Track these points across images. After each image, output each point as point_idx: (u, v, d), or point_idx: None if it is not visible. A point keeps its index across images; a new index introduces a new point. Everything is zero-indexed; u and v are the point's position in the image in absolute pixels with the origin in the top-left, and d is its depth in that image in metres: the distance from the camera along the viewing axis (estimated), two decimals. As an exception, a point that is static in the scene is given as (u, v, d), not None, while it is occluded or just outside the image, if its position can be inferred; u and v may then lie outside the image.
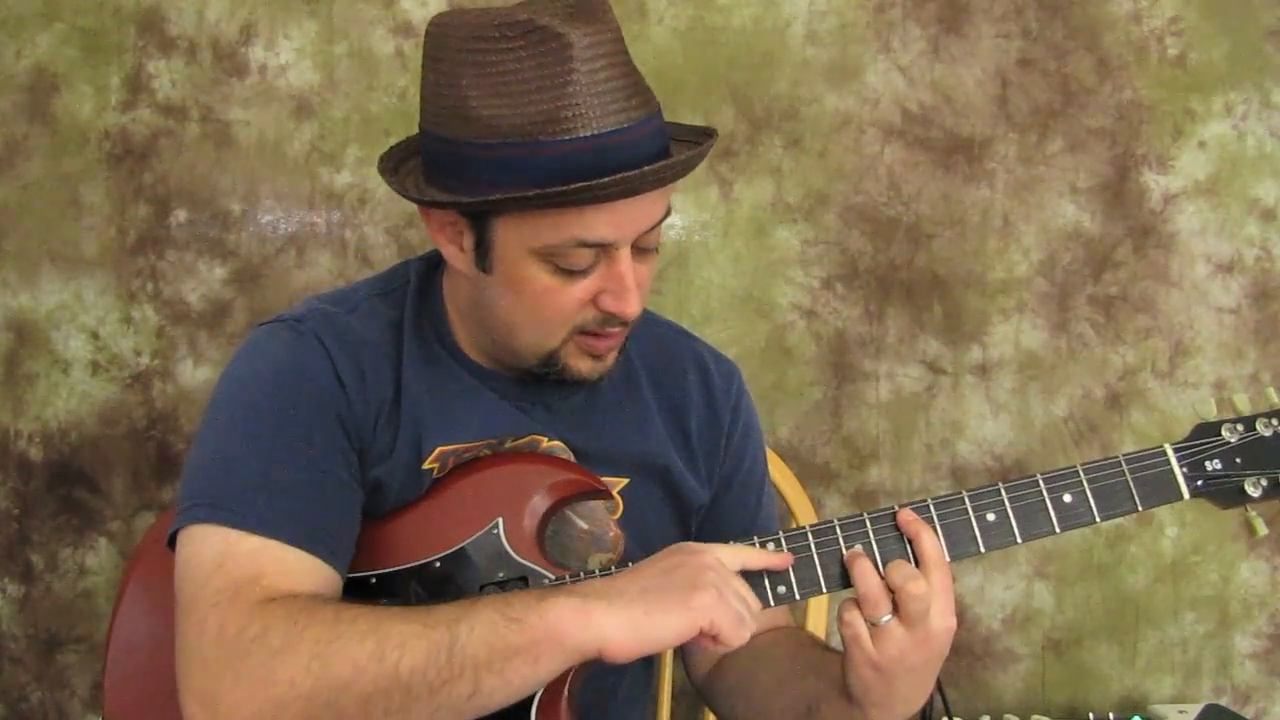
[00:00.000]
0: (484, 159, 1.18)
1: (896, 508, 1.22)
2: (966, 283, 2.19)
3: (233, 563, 1.13)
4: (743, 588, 1.16)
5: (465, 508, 1.27)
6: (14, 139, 2.08)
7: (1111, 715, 2.04)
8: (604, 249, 1.21)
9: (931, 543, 1.19)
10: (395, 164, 1.33)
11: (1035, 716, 2.08)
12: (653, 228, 1.23)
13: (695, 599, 1.11)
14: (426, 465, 1.30)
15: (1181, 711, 2.12)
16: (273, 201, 2.11)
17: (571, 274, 1.21)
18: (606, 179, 1.14)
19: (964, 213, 2.19)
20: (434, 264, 1.40)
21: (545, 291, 1.22)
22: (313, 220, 2.12)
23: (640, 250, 1.24)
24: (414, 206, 2.10)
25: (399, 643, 1.07)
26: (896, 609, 1.17)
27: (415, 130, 1.33)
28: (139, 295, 2.10)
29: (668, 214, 1.26)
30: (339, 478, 1.23)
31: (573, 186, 1.14)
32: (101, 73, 2.09)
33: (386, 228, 2.12)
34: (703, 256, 2.16)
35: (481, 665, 1.07)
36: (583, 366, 1.29)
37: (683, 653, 1.56)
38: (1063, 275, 2.20)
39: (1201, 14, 2.19)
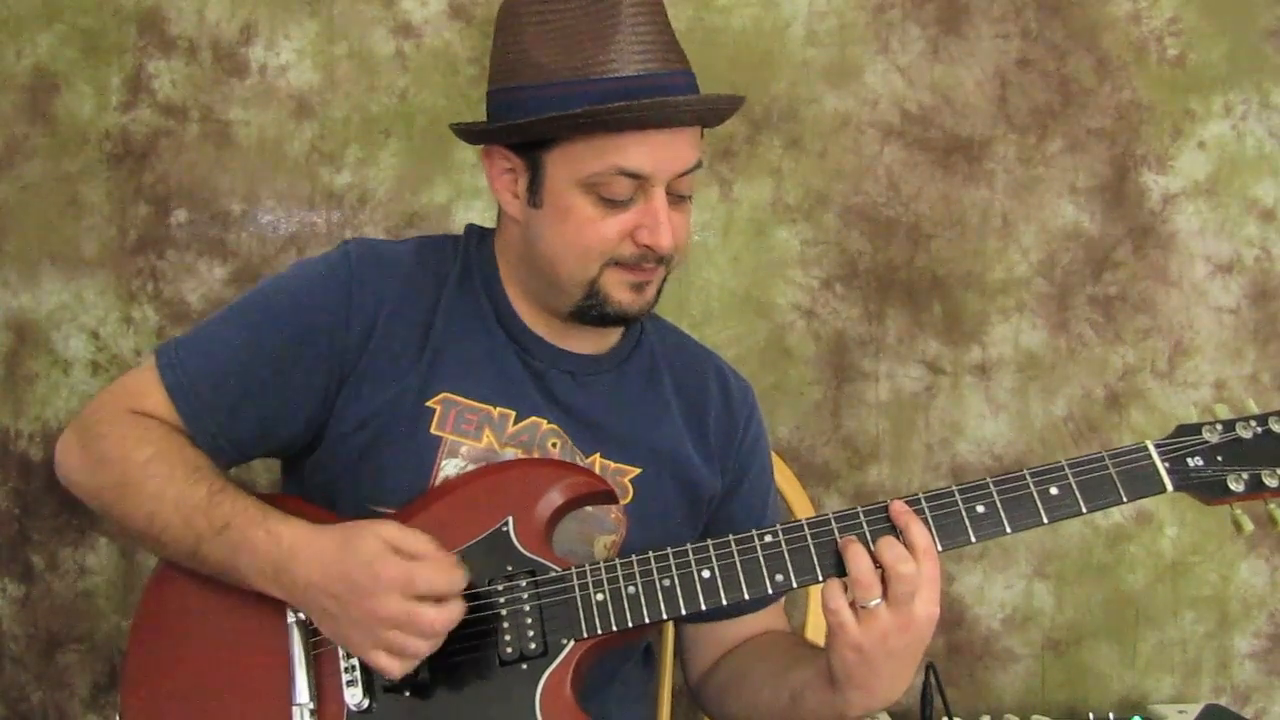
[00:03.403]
0: (540, 97, 1.33)
1: (889, 502, 1.27)
2: (966, 283, 2.20)
3: (147, 399, 1.39)
4: (422, 620, 1.23)
5: (477, 507, 1.34)
6: (14, 139, 2.08)
7: (1111, 715, 2.04)
8: (641, 184, 1.33)
9: (920, 531, 1.24)
10: (462, 130, 1.47)
11: (1035, 716, 2.08)
12: (686, 172, 1.35)
13: (373, 657, 1.25)
14: (429, 404, 1.39)
15: (1181, 711, 2.12)
16: (273, 201, 2.12)
17: (612, 205, 1.33)
18: (645, 100, 1.28)
19: (963, 213, 2.19)
20: (487, 231, 1.51)
21: (588, 221, 1.34)
22: (313, 220, 2.12)
23: (676, 197, 1.36)
24: (413, 207, 2.12)
25: (163, 525, 1.32)
26: (884, 592, 1.22)
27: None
28: (139, 295, 2.11)
29: (699, 165, 1.37)
30: (284, 390, 1.39)
31: (615, 105, 1.28)
32: (102, 73, 2.09)
33: (387, 228, 2.12)
34: (703, 256, 2.16)
35: (213, 566, 1.32)
36: (624, 297, 1.38)
37: (680, 656, 1.59)
38: (1062, 275, 2.21)
39: (1201, 14, 2.19)
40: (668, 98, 1.30)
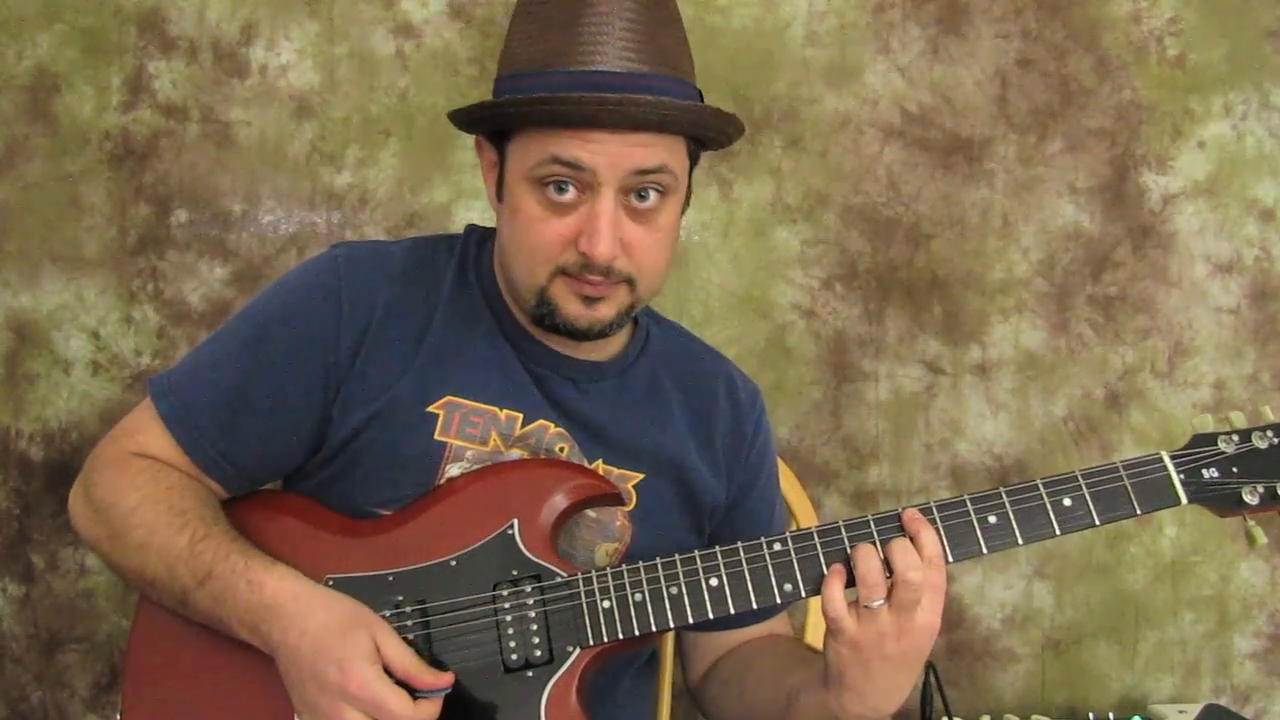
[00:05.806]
0: (507, 89, 1.31)
1: (901, 509, 1.25)
2: (966, 283, 2.20)
3: (146, 435, 1.37)
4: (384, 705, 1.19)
5: (482, 509, 1.32)
6: (14, 139, 2.08)
7: (1111, 715, 2.04)
8: (587, 185, 1.27)
9: (932, 539, 1.23)
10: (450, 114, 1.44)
11: (1035, 716, 2.08)
12: (639, 174, 1.27)
13: None
14: (431, 409, 1.36)
15: (1181, 711, 2.12)
16: (273, 202, 2.12)
17: (556, 206, 1.28)
18: (563, 94, 1.23)
19: (963, 213, 2.19)
20: (488, 232, 1.48)
21: (532, 220, 1.30)
22: (313, 220, 2.12)
23: (635, 210, 1.29)
24: (413, 207, 2.12)
25: (152, 578, 1.30)
26: (888, 595, 1.20)
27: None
28: (139, 295, 2.11)
29: (663, 171, 1.28)
30: (283, 407, 1.37)
31: (534, 95, 1.25)
32: (102, 73, 2.09)
33: (387, 228, 2.12)
34: (703, 257, 2.16)
35: (202, 616, 1.29)
36: (572, 309, 1.32)
37: (681, 656, 1.58)
38: (1062, 275, 2.21)
39: (1201, 14, 2.19)
40: (606, 94, 1.22)
